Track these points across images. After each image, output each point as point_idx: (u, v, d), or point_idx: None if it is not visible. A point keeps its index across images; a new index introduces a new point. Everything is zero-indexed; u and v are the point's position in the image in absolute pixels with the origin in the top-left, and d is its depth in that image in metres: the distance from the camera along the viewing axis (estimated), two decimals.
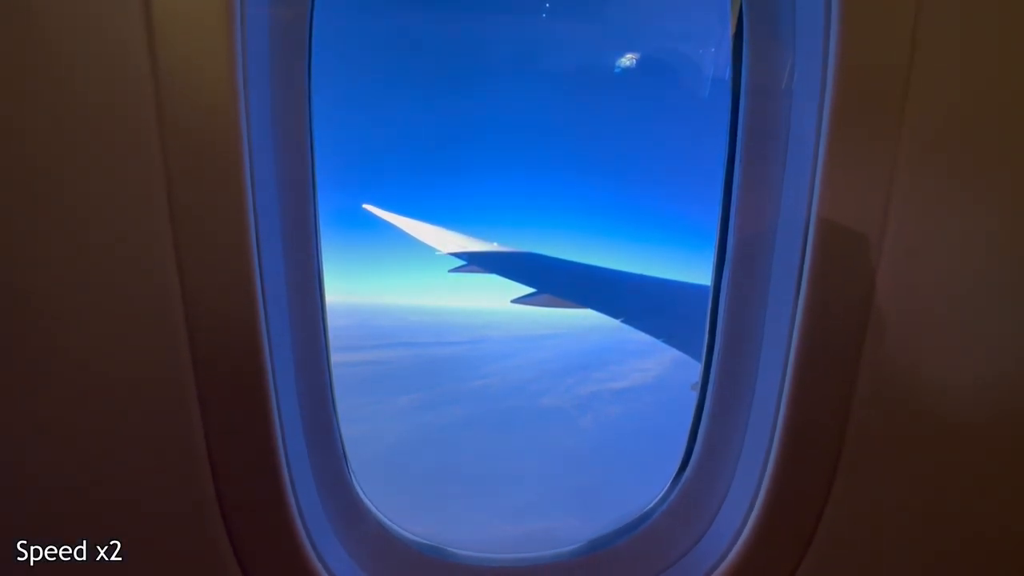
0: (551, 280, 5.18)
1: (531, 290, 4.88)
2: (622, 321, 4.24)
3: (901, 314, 0.92)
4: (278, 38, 0.95)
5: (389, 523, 1.13)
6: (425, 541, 1.14)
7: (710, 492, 1.14)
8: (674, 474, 1.19)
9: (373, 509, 1.13)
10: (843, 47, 0.86)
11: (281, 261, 1.00)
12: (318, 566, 0.98)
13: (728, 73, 1.09)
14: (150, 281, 0.83)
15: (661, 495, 1.19)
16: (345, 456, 1.12)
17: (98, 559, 0.91)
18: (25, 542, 0.89)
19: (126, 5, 0.77)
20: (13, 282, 0.82)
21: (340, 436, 1.11)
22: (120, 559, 0.91)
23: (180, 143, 0.80)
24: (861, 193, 0.88)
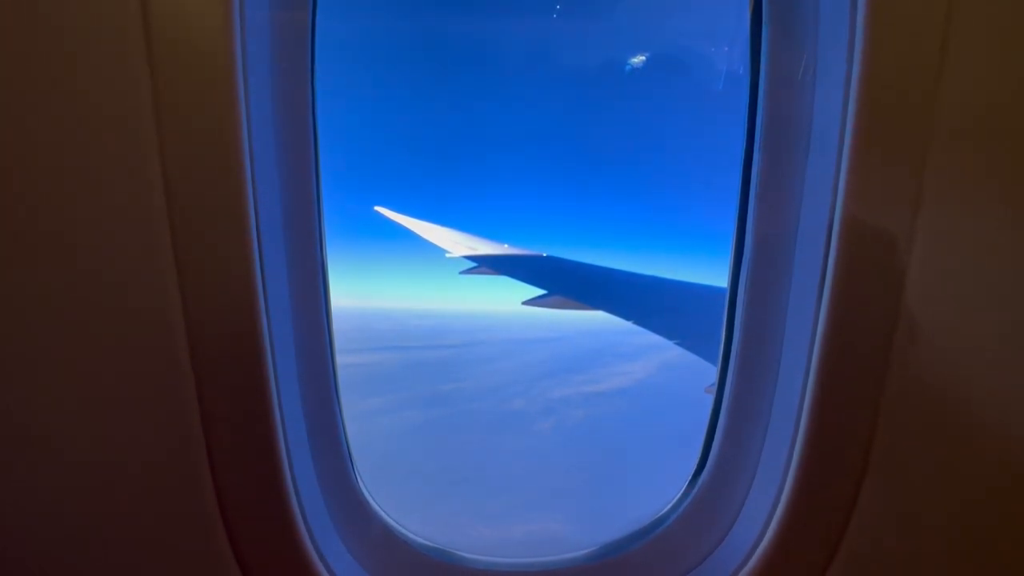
0: (563, 282, 5.16)
1: (542, 292, 4.86)
2: (634, 322, 4.20)
3: (931, 315, 0.88)
4: (279, 35, 0.94)
5: (395, 525, 1.11)
6: (432, 544, 1.12)
7: (728, 496, 1.10)
8: (690, 477, 1.15)
9: (379, 511, 1.11)
10: (870, 35, 0.82)
11: (284, 261, 0.99)
12: (321, 569, 0.96)
13: (744, 65, 1.06)
14: (148, 284, 0.82)
15: (676, 499, 1.15)
16: (350, 457, 1.10)
17: (99, 560, 0.90)
18: (25, 542, 0.89)
19: (124, 2, 0.76)
20: (7, 283, 0.82)
21: (345, 437, 1.09)
22: (120, 560, 0.91)
23: (178, 143, 0.79)
24: (889, 189, 0.85)
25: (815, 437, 0.92)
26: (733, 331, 1.09)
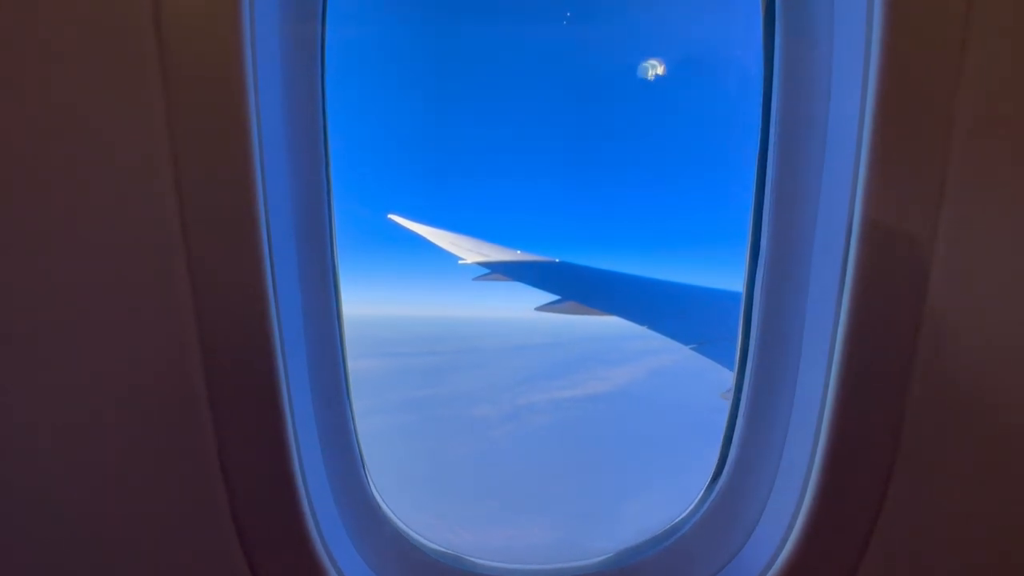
0: (576, 287, 5.13)
1: (556, 297, 4.84)
2: (648, 327, 4.15)
3: (956, 316, 0.86)
4: (289, 38, 0.95)
5: (407, 529, 1.11)
6: (444, 549, 1.12)
7: (747, 502, 1.08)
8: (707, 483, 1.13)
9: (391, 515, 1.11)
10: (888, 30, 0.80)
11: (295, 263, 0.99)
12: (331, 572, 0.96)
13: (759, 66, 1.04)
14: (161, 288, 0.83)
15: (693, 505, 1.13)
16: (362, 459, 1.10)
17: (109, 562, 0.91)
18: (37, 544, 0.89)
19: (136, 6, 0.77)
20: (19, 287, 0.83)
21: (357, 439, 1.10)
22: (134, 565, 0.91)
23: (190, 151, 0.80)
24: (909, 187, 0.83)
25: (837, 442, 0.89)
26: (750, 335, 1.08)
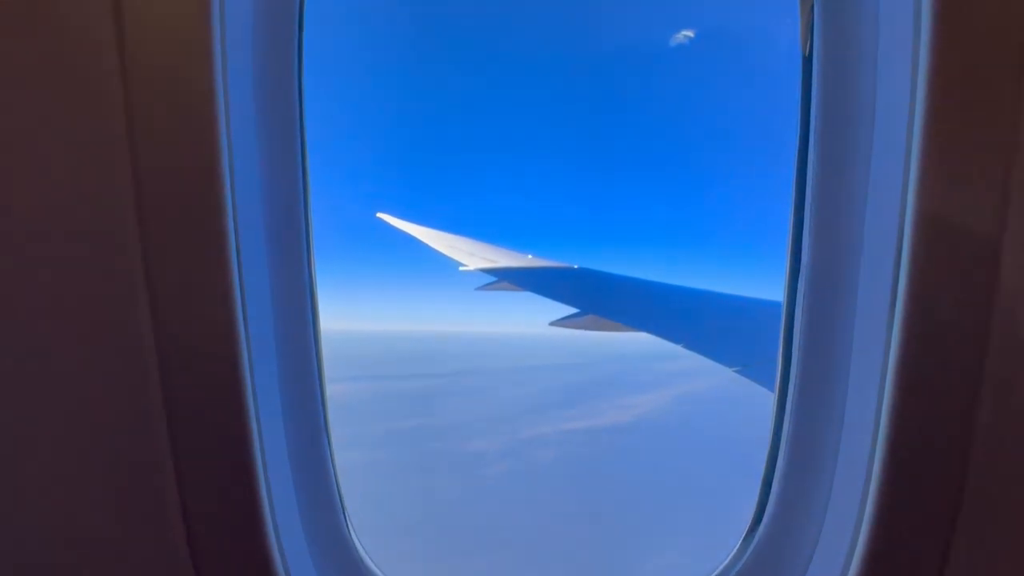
0: (598, 298, 4.85)
1: (574, 310, 4.60)
2: (683, 346, 3.85)
3: None
4: (263, 32, 0.91)
5: None
6: None
7: (791, 553, 0.99)
8: (745, 532, 1.03)
9: (376, 571, 1.03)
10: (941, 12, 0.71)
11: (266, 270, 0.94)
12: None
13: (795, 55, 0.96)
14: (117, 296, 0.79)
15: (728, 561, 1.04)
16: (343, 507, 1.03)
17: None
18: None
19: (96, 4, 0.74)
20: None
21: (337, 484, 1.03)
22: None
23: (151, 145, 0.77)
24: (969, 191, 0.75)
25: (892, 486, 0.81)
26: (791, 360, 0.99)
